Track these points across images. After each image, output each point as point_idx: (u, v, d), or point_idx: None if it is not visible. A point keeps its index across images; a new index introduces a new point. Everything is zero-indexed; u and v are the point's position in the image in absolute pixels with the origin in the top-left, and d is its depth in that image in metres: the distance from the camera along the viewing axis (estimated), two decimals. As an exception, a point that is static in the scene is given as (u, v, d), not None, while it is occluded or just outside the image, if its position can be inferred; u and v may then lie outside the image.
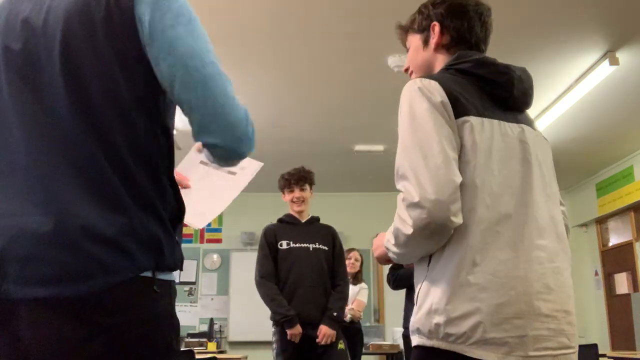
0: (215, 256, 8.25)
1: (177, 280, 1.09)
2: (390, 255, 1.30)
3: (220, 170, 1.46)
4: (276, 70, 4.57)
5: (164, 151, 1.06)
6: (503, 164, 1.24)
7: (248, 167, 1.50)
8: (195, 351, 3.88)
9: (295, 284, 3.26)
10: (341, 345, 3.24)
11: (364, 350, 5.40)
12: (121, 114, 0.99)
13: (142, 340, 0.95)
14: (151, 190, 1.01)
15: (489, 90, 1.31)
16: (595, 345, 4.53)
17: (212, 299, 8.08)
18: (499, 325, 1.13)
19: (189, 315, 7.86)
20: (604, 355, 4.76)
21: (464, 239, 1.18)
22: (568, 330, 1.21)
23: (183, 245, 1.11)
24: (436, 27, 1.42)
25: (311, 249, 3.32)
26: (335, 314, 3.20)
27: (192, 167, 1.45)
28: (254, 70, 4.51)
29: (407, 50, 1.52)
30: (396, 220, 1.22)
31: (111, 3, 0.99)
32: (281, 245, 3.34)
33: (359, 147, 6.35)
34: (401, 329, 4.30)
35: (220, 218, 8.24)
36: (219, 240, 8.30)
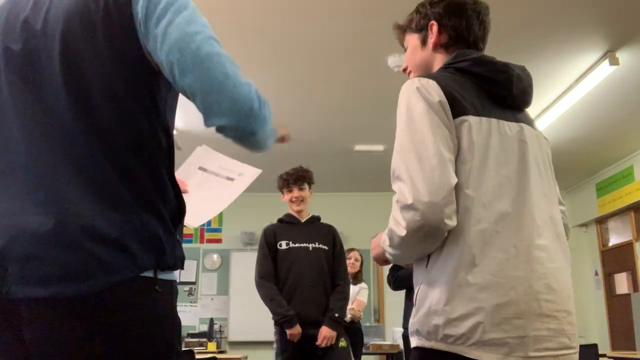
0: (215, 256, 8.25)
1: (177, 280, 1.09)
2: (387, 255, 1.30)
3: (218, 176, 1.47)
4: (276, 70, 4.57)
5: (164, 150, 1.06)
6: (501, 163, 1.23)
7: (246, 174, 1.52)
8: (195, 351, 3.89)
9: (295, 283, 3.25)
10: (342, 343, 3.23)
11: (364, 350, 5.40)
12: (121, 114, 0.99)
13: (143, 340, 0.95)
14: (152, 189, 1.01)
15: (488, 88, 1.30)
16: (595, 345, 4.53)
17: (212, 299, 8.08)
18: (498, 325, 1.13)
19: (189, 315, 7.86)
20: (604, 355, 4.76)
21: (462, 238, 1.17)
22: (569, 330, 1.20)
23: (183, 245, 1.11)
24: (434, 26, 1.41)
25: (311, 248, 3.32)
26: (336, 314, 3.19)
27: (190, 173, 1.46)
28: (254, 70, 4.51)
29: (405, 50, 1.51)
30: (390, 221, 1.21)
31: (109, 3, 0.99)
32: (280, 245, 3.34)
33: (359, 147, 6.35)
34: (401, 329, 4.30)
35: (220, 218, 8.24)
36: (219, 240, 8.30)
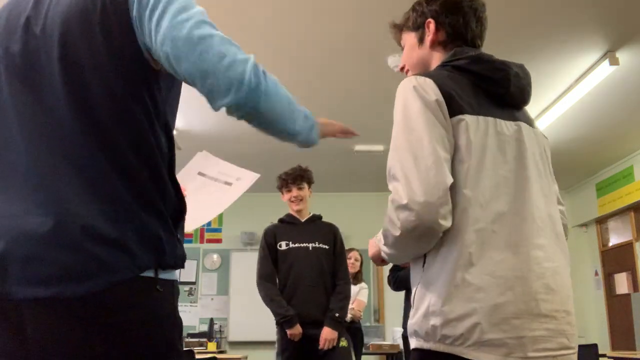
0: (215, 256, 8.25)
1: (178, 280, 1.09)
2: (382, 255, 1.29)
3: (216, 181, 1.48)
4: (276, 70, 4.55)
5: (164, 149, 1.06)
6: (498, 162, 1.22)
7: (244, 178, 1.53)
8: (195, 351, 3.89)
9: (295, 283, 3.26)
10: (343, 343, 3.22)
11: (364, 350, 5.41)
12: (120, 113, 0.99)
13: (144, 340, 0.95)
14: (152, 188, 1.01)
15: (485, 87, 1.29)
16: (595, 345, 4.53)
17: (212, 299, 8.08)
18: (497, 325, 1.12)
19: (189, 315, 7.86)
20: (604, 355, 4.76)
21: (459, 238, 1.16)
22: (568, 330, 1.19)
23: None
24: (431, 24, 1.40)
25: (310, 248, 3.32)
26: (336, 314, 3.18)
27: (189, 177, 1.48)
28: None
29: (403, 49, 1.50)
30: (385, 220, 1.21)
31: (107, 3, 1.00)
32: (280, 246, 3.35)
33: (359, 147, 6.35)
34: (401, 329, 4.30)
35: (220, 218, 8.24)
36: (219, 240, 8.31)
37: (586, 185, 7.69)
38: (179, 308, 1.07)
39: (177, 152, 1.11)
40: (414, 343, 1.23)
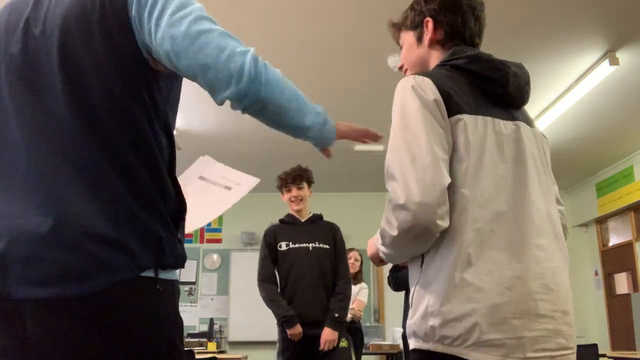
0: (215, 256, 8.25)
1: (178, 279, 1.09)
2: (380, 254, 1.29)
3: (216, 185, 1.49)
4: (280, 69, 4.56)
5: (165, 149, 1.06)
6: (497, 162, 1.22)
7: (244, 183, 1.54)
8: (195, 351, 3.89)
9: (295, 284, 3.26)
10: (343, 344, 3.22)
11: (364, 350, 5.41)
12: (119, 112, 0.99)
13: (144, 339, 0.95)
14: (152, 188, 1.01)
15: (484, 86, 1.29)
16: (595, 345, 4.53)
17: (212, 299, 8.08)
18: (496, 326, 1.11)
19: (189, 315, 7.87)
20: (604, 355, 4.76)
21: (457, 238, 1.16)
22: (566, 330, 1.19)
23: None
24: (429, 23, 1.39)
25: (311, 248, 3.32)
26: (336, 315, 3.18)
27: (189, 180, 1.48)
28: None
29: (401, 48, 1.50)
30: (383, 220, 1.20)
31: (106, 3, 1.00)
32: (280, 246, 3.35)
33: (359, 147, 6.35)
34: (401, 329, 4.30)
35: (220, 218, 8.24)
36: (219, 240, 8.31)
37: (586, 185, 7.69)
38: (179, 308, 1.07)
39: (177, 152, 1.11)
40: (413, 344, 1.22)
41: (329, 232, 3.40)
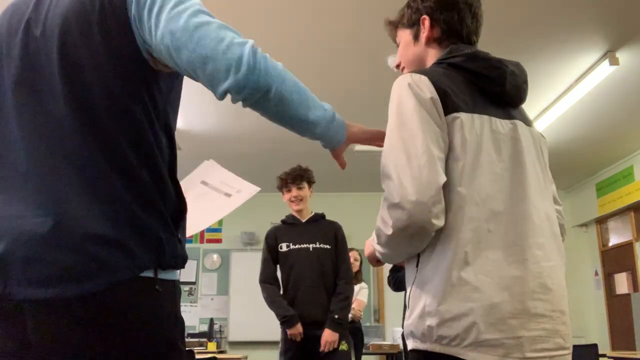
0: (215, 256, 8.25)
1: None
2: (376, 254, 1.28)
3: (217, 191, 1.50)
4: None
5: (165, 149, 1.06)
6: (493, 161, 1.21)
7: (244, 191, 1.55)
8: (195, 351, 3.89)
9: (296, 285, 3.27)
10: (343, 347, 3.21)
11: (364, 350, 5.41)
12: (118, 112, 0.99)
13: (145, 340, 0.95)
14: (152, 188, 1.01)
15: (481, 85, 1.28)
16: (595, 345, 4.53)
17: (212, 299, 8.08)
18: (494, 325, 1.10)
19: (189, 315, 7.86)
20: (604, 355, 4.75)
21: (453, 237, 1.15)
22: (563, 330, 1.18)
23: (183, 246, 1.11)
24: (426, 20, 1.39)
25: (311, 249, 3.32)
26: (336, 316, 3.17)
27: (191, 184, 1.49)
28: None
29: (398, 46, 1.49)
30: (378, 219, 1.19)
31: (105, 3, 1.00)
32: (281, 247, 3.36)
33: (359, 147, 6.35)
34: (401, 329, 4.30)
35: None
36: (219, 240, 8.31)
37: (586, 185, 7.69)
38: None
39: (177, 152, 1.11)
40: (410, 344, 1.21)
41: (330, 232, 3.38)
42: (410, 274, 1.24)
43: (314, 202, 3.56)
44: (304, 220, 3.42)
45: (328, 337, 3.13)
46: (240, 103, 1.01)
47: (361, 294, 5.23)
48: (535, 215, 1.21)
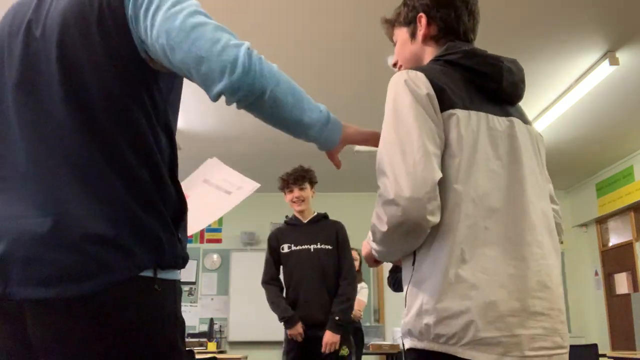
0: (215, 256, 8.25)
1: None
2: (373, 252, 1.27)
3: (218, 189, 1.50)
4: (276, 70, 4.57)
5: (165, 149, 1.06)
6: (490, 158, 1.20)
7: (245, 187, 1.55)
8: (195, 351, 3.89)
9: (297, 286, 3.27)
10: (344, 351, 3.19)
11: (364, 350, 5.41)
12: (118, 113, 0.99)
13: (144, 339, 0.95)
14: (152, 188, 1.01)
15: (479, 82, 1.27)
16: (595, 345, 4.53)
17: (212, 299, 8.08)
18: (491, 324, 1.09)
19: (189, 315, 7.86)
20: (604, 355, 4.75)
21: (450, 234, 1.14)
22: (561, 329, 1.17)
23: (183, 246, 1.11)
24: (422, 18, 1.38)
25: (312, 249, 3.31)
26: (337, 318, 3.16)
27: (194, 183, 1.49)
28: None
29: (395, 45, 1.48)
30: (373, 216, 1.18)
31: (103, 3, 1.00)
32: (283, 249, 3.36)
33: (358, 147, 6.35)
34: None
35: (220, 218, 8.23)
36: (219, 240, 8.31)
37: (586, 185, 7.69)
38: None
39: (178, 152, 1.11)
40: (408, 343, 1.20)
41: (332, 232, 3.36)
42: (407, 272, 1.24)
43: (313, 202, 3.56)
44: (305, 221, 3.41)
45: (329, 338, 3.13)
46: (235, 104, 1.01)
47: (361, 293, 5.23)
48: (533, 213, 1.21)
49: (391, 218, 1.12)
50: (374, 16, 3.76)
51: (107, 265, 0.92)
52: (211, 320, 7.01)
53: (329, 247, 3.32)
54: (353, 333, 4.72)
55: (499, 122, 1.25)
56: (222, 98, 1.00)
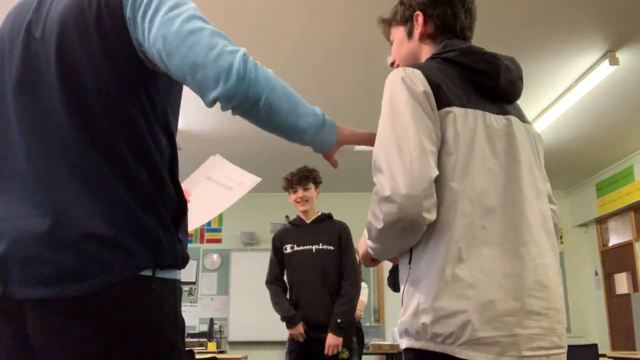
0: (215, 256, 8.25)
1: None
2: (369, 250, 1.26)
3: (220, 185, 1.50)
4: (276, 70, 4.56)
5: (165, 149, 1.06)
6: (487, 156, 1.20)
7: (246, 182, 1.55)
8: (195, 351, 3.89)
9: (299, 287, 3.28)
10: (344, 355, 3.18)
11: (364, 351, 5.41)
12: (115, 112, 0.99)
13: (144, 339, 0.95)
14: (151, 188, 1.01)
15: (476, 79, 1.27)
16: (595, 345, 4.53)
17: (212, 299, 8.08)
18: (489, 323, 1.09)
19: (189, 315, 7.86)
20: (604, 355, 4.75)
21: (447, 233, 1.13)
22: (559, 329, 1.17)
23: (183, 246, 1.11)
24: (419, 16, 1.38)
25: (314, 250, 3.30)
26: (339, 320, 3.15)
27: (197, 181, 1.50)
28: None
29: (392, 44, 1.48)
30: (369, 214, 1.18)
31: (102, 4, 1.00)
32: (285, 249, 3.37)
33: (359, 147, 6.35)
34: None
35: (220, 218, 8.25)
36: (219, 240, 8.31)
37: (586, 185, 7.69)
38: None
39: (177, 152, 1.11)
40: (405, 343, 1.19)
41: (335, 232, 3.35)
42: (403, 271, 1.23)
43: (316, 203, 3.54)
44: (308, 222, 3.40)
45: (331, 341, 3.13)
46: (230, 111, 1.01)
47: (361, 293, 5.22)
48: (530, 212, 1.20)
49: (387, 215, 1.11)
50: (373, 17, 3.75)
51: (107, 265, 0.92)
52: (211, 320, 7.01)
53: (331, 247, 3.31)
54: (353, 333, 4.72)
55: (497, 120, 1.25)
56: (218, 104, 1.00)
